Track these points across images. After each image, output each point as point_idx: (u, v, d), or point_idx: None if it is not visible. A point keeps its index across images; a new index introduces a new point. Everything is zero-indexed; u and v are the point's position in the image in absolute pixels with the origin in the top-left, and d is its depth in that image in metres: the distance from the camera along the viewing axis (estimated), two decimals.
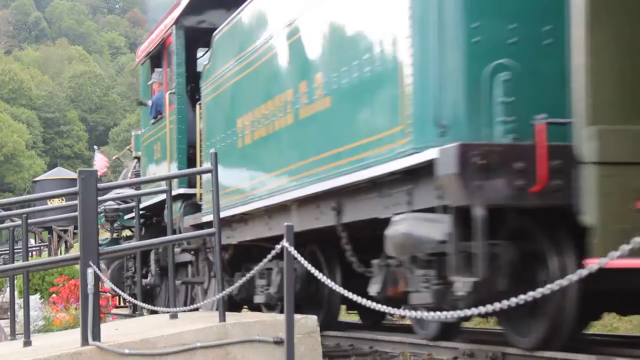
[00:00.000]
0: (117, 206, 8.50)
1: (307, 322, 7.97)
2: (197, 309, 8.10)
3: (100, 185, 7.83)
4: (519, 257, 6.52)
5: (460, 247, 6.35)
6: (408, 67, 6.96)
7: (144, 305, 9.41)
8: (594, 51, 5.75)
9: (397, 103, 7.12)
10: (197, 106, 12.19)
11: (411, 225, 6.73)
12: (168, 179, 10.00)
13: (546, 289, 3.37)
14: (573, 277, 3.27)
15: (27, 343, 9.15)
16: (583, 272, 3.24)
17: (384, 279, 7.36)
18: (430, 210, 6.76)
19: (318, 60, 8.51)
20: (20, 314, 11.13)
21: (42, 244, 28.29)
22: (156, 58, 14.10)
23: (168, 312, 9.39)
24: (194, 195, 11.90)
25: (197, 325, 7.83)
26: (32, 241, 32.02)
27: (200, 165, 11.12)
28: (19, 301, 11.95)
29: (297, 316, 7.78)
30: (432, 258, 6.58)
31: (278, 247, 5.23)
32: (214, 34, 11.57)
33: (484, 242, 6.13)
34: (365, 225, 7.92)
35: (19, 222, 11.28)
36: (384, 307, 4.48)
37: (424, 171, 6.81)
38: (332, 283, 5.23)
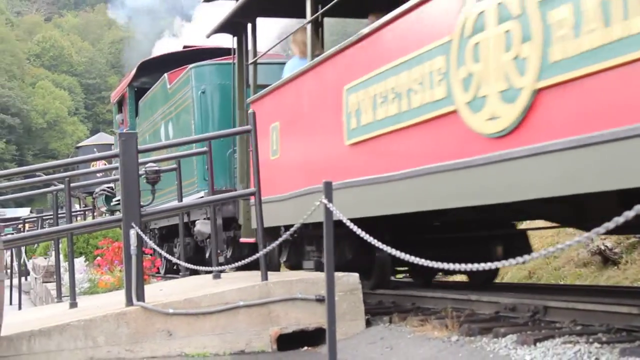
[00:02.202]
0: (157, 168, 8.55)
1: (349, 280, 8.01)
2: (242, 267, 8.16)
3: (140, 147, 7.90)
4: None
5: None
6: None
7: (188, 265, 9.49)
8: (240, 158, 11.58)
9: (193, 167, 13.70)
10: None
11: (200, 225, 13.54)
12: (208, 139, 10.55)
13: None
14: None
15: (73, 305, 9.29)
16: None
17: (210, 249, 12.57)
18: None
19: (175, 135, 14.88)
20: (65, 277, 11.27)
21: (86, 208, 28.50)
22: (120, 104, 20.15)
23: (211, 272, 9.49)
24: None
25: (239, 285, 7.89)
26: (76, 206, 32.28)
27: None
28: (64, 264, 12.09)
29: (339, 274, 7.82)
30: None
31: (318, 203, 5.25)
32: (139, 100, 17.94)
33: (221, 234, 12.28)
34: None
35: (62, 186, 11.40)
36: (434, 263, 4.49)
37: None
38: (380, 243, 5.24)
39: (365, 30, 7.97)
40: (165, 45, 51.62)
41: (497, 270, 10.12)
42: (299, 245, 10.43)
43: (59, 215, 13.10)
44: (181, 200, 11.64)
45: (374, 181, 7.70)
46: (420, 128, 7.00)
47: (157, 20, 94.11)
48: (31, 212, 45.76)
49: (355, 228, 5.37)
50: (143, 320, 7.37)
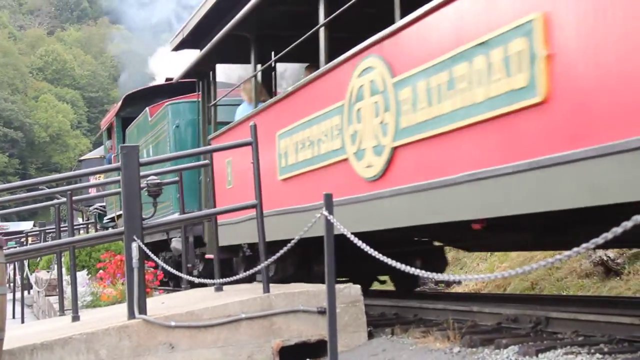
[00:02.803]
0: (159, 181, 8.56)
1: (351, 292, 8.00)
2: (244, 279, 8.18)
3: (142, 160, 7.90)
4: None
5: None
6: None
7: (191, 278, 9.50)
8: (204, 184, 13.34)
9: (169, 192, 14.40)
10: None
11: (175, 242, 14.84)
12: (210, 152, 10.65)
13: None
14: None
15: (76, 318, 9.28)
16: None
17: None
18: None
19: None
20: (68, 290, 11.27)
21: (88, 221, 28.50)
22: (109, 131, 22.31)
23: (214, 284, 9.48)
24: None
25: (241, 297, 7.89)
26: (79, 219, 32.29)
27: None
28: (66, 278, 12.09)
29: (340, 286, 7.83)
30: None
31: (318, 215, 5.26)
32: (126, 129, 19.88)
33: (193, 250, 13.53)
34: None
35: (64, 199, 11.42)
36: (421, 272, 4.49)
37: None
38: (373, 251, 5.25)
39: (290, 89, 9.84)
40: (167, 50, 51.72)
41: (417, 279, 12.52)
42: (251, 260, 11.72)
43: (62, 229, 13.10)
44: (183, 213, 11.71)
45: (294, 210, 9.60)
46: (325, 170, 8.86)
47: (158, 33, 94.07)
48: (34, 225, 45.75)
49: (355, 239, 5.39)
50: (145, 333, 7.36)
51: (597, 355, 5.79)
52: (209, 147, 11.74)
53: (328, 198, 5.29)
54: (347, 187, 8.27)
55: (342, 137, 8.42)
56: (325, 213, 5.16)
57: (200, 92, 13.60)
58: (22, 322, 15.90)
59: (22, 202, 17.24)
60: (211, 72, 13.01)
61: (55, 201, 13.16)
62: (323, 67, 8.83)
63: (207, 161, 12.06)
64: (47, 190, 12.33)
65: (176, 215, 13.66)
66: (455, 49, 6.47)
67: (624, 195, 4.96)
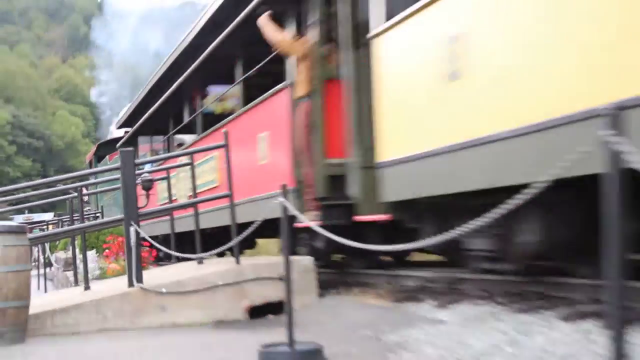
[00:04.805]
0: (151, 178, 8.62)
1: (304, 262, 8.08)
2: (220, 254, 8.19)
3: (137, 160, 7.91)
4: None
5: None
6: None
7: (178, 254, 9.51)
8: None
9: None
10: None
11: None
12: (190, 153, 10.44)
13: None
14: None
15: (87, 288, 9.23)
16: None
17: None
18: None
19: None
20: (81, 266, 11.21)
21: (97, 212, 28.22)
22: (90, 164, 28.14)
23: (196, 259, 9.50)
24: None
25: (218, 268, 7.93)
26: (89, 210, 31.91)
27: None
28: (79, 256, 12.03)
29: (297, 258, 7.91)
30: None
31: (276, 202, 5.32)
32: (101, 162, 26.10)
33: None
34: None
35: (76, 194, 11.38)
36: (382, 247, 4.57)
37: None
38: (329, 233, 5.31)
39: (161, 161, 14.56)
40: None
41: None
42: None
43: (75, 218, 13.03)
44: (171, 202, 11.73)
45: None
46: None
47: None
48: (54, 216, 45.24)
49: (318, 227, 5.44)
50: (142, 299, 7.39)
51: (496, 305, 5.91)
52: (188, 150, 11.85)
53: (284, 187, 5.36)
54: (183, 212, 12.38)
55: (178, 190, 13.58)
56: (282, 199, 5.22)
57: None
58: (45, 292, 15.77)
59: (43, 196, 17.09)
60: (136, 143, 18.70)
61: (69, 195, 13.08)
62: (175, 152, 13.99)
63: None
64: (62, 187, 12.26)
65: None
66: (205, 157, 12.18)
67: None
